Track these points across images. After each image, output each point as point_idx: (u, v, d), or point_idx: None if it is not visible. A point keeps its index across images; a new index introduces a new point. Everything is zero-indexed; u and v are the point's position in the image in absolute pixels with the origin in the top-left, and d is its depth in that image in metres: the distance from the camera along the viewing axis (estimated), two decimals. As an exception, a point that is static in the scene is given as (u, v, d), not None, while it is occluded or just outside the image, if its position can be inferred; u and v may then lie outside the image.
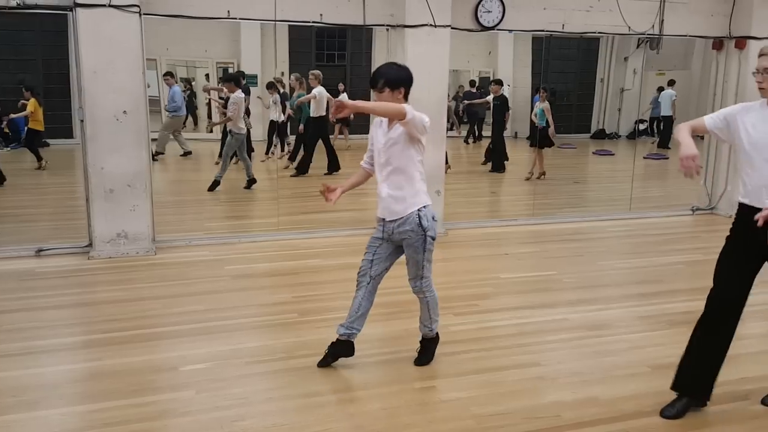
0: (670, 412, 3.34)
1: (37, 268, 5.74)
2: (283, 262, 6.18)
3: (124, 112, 5.87)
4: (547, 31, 7.53)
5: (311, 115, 10.64)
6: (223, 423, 3.28)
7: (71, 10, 5.70)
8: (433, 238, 3.66)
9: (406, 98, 3.57)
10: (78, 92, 5.94)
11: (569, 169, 13.10)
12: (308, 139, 10.68)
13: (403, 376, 3.80)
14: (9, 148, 13.25)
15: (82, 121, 5.91)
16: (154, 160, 9.40)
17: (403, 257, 3.76)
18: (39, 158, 11.13)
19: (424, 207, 3.60)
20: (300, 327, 4.52)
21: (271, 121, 11.62)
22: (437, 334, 3.99)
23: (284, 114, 11.57)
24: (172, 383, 3.65)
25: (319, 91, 10.44)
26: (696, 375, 3.33)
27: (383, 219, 3.67)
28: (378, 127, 3.63)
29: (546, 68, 13.66)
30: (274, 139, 11.78)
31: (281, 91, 11.88)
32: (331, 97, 10.37)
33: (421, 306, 3.89)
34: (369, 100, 3.68)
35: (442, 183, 7.02)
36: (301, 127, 10.96)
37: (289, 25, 10.48)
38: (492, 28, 7.10)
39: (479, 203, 9.60)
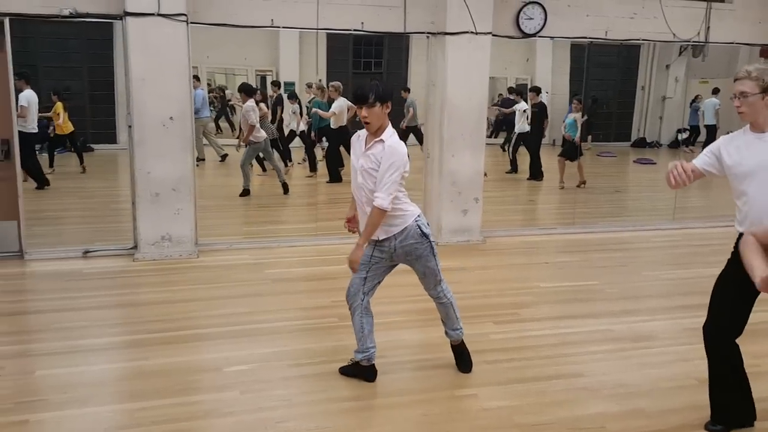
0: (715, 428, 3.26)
1: (84, 269, 5.90)
2: (321, 266, 6.23)
3: (171, 118, 6.01)
4: (589, 38, 7.45)
5: (331, 126, 10.65)
6: (267, 424, 3.31)
7: (121, 19, 5.87)
8: (435, 243, 3.70)
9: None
10: (126, 99, 6.09)
11: (610, 177, 12.92)
12: (330, 150, 10.72)
13: (443, 383, 3.79)
14: (56, 152, 13.62)
15: (130, 126, 6.06)
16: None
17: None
18: (51, 164, 11.30)
19: (418, 216, 3.62)
20: (340, 331, 4.53)
21: (291, 131, 11.67)
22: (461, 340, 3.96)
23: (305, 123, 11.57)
24: (217, 384, 3.71)
25: (339, 104, 10.45)
26: (728, 403, 3.23)
27: (377, 239, 3.59)
28: (358, 156, 3.57)
29: (586, 76, 13.51)
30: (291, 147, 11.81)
31: (312, 98, 11.91)
32: (352, 105, 10.41)
33: (445, 310, 3.85)
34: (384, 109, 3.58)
35: (480, 190, 7.00)
36: (314, 134, 11.00)
37: (327, 33, 10.57)
38: (533, 35, 7.07)
39: (517, 211, 9.52)
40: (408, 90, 13.83)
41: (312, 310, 5.03)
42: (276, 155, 10.09)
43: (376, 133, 3.47)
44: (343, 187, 10.40)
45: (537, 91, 11.52)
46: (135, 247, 6.24)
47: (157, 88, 5.93)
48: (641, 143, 16.60)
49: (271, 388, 3.68)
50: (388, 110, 3.49)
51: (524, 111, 12.32)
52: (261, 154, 10.07)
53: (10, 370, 3.91)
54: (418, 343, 4.51)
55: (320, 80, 14.47)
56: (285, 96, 12.03)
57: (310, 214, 8.09)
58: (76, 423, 3.33)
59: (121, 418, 3.39)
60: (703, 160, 3.15)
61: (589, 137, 16.23)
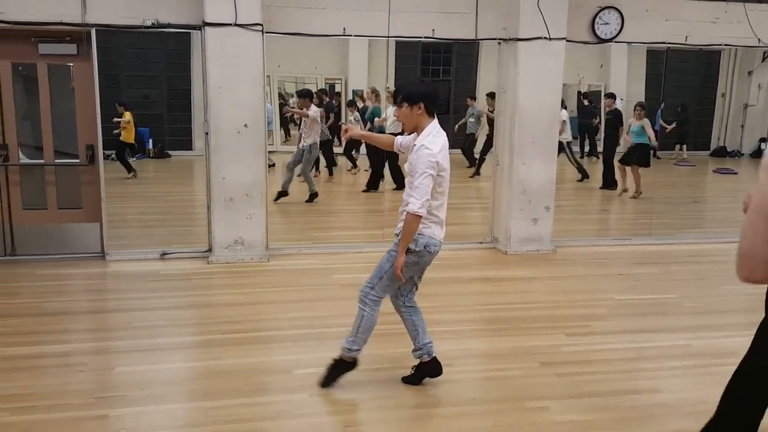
0: None
1: (161, 270, 6.12)
2: (389, 273, 6.23)
3: (245, 125, 6.17)
4: (668, 43, 7.20)
5: (386, 132, 10.60)
6: (335, 428, 3.34)
7: (200, 29, 6.08)
8: (414, 257, 3.58)
9: (430, 114, 3.47)
10: (204, 106, 6.30)
11: (688, 187, 12.41)
12: (390, 158, 10.71)
13: (513, 394, 3.72)
14: (135, 158, 14.26)
15: (207, 133, 6.27)
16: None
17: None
18: (129, 169, 11.73)
19: (431, 237, 3.59)
20: (408, 338, 4.51)
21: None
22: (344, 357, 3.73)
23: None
24: (287, 385, 3.76)
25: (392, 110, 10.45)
26: None
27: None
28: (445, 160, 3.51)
29: (663, 82, 13.03)
30: (355, 154, 11.83)
31: (360, 106, 11.93)
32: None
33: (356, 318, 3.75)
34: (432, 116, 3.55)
35: (551, 199, 6.86)
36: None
37: (396, 41, 10.60)
38: (609, 41, 6.89)
39: (590, 221, 9.27)
40: (474, 98, 13.69)
41: (379, 316, 5.02)
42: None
43: (416, 135, 3.48)
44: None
45: (612, 97, 11.21)
46: (209, 250, 6.43)
47: (233, 96, 6.11)
48: (721, 152, 15.86)
49: (340, 392, 3.70)
50: (420, 111, 3.44)
51: (564, 121, 12.11)
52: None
53: (91, 366, 4.09)
54: (486, 352, 4.44)
55: (387, 88, 14.52)
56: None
57: (376, 221, 8.12)
58: (153, 419, 3.44)
59: (196, 415, 3.48)
60: None
61: (684, 146, 15.61)
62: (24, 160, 6.36)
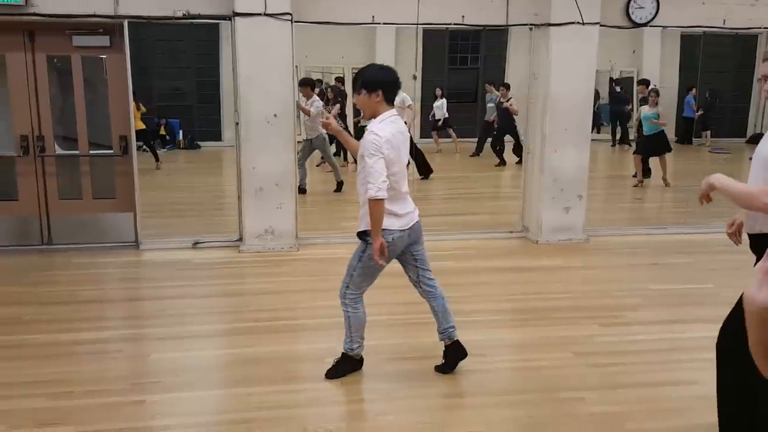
0: None
1: (193, 258, 6.19)
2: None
3: (275, 115, 6.18)
4: (704, 26, 7.00)
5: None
6: (367, 416, 3.34)
7: (230, 19, 6.10)
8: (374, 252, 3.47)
9: (388, 101, 3.41)
10: (234, 97, 6.32)
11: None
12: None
13: (546, 385, 3.67)
14: (165, 149, 14.45)
15: (237, 123, 6.30)
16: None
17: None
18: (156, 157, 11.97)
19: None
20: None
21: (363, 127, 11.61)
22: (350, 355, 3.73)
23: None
24: (318, 373, 3.76)
25: (402, 97, 10.30)
26: None
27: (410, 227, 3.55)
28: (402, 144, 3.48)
29: (698, 67, 12.74)
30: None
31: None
32: (411, 104, 10.26)
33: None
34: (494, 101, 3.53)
35: (584, 187, 6.75)
36: None
37: (423, 29, 10.47)
38: (644, 25, 6.72)
39: (623, 209, 9.10)
40: (493, 84, 13.56)
41: (408, 305, 4.98)
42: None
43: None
44: (435, 183, 10.37)
45: (646, 83, 10.97)
46: (240, 239, 6.48)
47: (263, 86, 6.13)
48: (757, 139, 15.39)
49: (371, 381, 3.71)
50: (379, 98, 3.38)
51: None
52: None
53: (127, 352, 4.16)
54: (518, 342, 4.40)
55: (414, 77, 14.40)
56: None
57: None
58: (188, 405, 3.49)
59: (230, 402, 3.52)
60: None
61: (708, 133, 15.27)
62: (59, 151, 6.47)
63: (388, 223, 3.41)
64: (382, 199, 3.29)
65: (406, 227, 3.49)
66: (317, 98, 9.55)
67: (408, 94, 10.04)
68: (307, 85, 9.45)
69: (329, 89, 12.79)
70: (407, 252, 3.61)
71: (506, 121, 12.19)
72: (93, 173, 6.56)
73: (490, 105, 13.24)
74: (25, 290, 5.26)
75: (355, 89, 3.45)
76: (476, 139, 13.57)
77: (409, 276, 3.73)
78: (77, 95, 6.37)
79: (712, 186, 2.62)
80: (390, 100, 3.45)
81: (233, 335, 4.48)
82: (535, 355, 4.09)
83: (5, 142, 6.34)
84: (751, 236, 2.66)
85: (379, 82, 3.38)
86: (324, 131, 9.33)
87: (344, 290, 3.64)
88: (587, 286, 5.46)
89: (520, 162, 11.95)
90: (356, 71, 3.54)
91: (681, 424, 3.24)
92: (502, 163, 12.19)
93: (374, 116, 3.43)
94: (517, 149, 11.95)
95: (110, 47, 6.26)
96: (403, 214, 3.48)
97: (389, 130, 3.36)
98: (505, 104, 12.05)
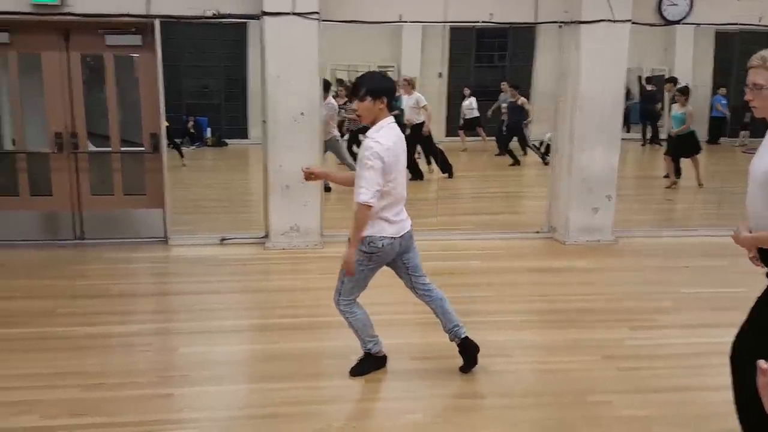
0: None
1: (220, 255, 6.25)
2: (442, 261, 6.15)
3: (302, 113, 6.21)
4: (739, 24, 6.85)
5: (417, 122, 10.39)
6: (392, 414, 3.34)
7: (259, 18, 6.14)
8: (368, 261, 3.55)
9: (389, 108, 3.45)
10: (262, 95, 6.37)
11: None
12: (425, 147, 10.54)
13: (572, 388, 3.63)
14: (194, 147, 14.63)
15: (264, 121, 6.34)
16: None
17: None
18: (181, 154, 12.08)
19: (381, 237, 3.49)
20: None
21: None
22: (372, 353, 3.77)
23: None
24: (343, 370, 3.77)
25: (417, 98, 10.23)
26: None
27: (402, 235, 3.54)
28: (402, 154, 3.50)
29: (737, 67, 12.40)
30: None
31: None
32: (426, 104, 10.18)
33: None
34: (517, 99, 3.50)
35: (613, 188, 6.66)
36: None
37: (450, 27, 10.38)
38: (677, 23, 6.60)
39: (653, 210, 8.95)
40: (508, 83, 13.44)
41: (413, 305, 5.00)
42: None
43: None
44: (456, 182, 10.31)
45: (674, 81, 10.77)
46: (266, 236, 6.52)
47: (290, 85, 6.16)
48: (794, 140, 15.06)
49: (396, 379, 3.71)
50: (383, 105, 3.40)
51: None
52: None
53: (156, 346, 4.22)
54: (544, 344, 4.36)
55: (440, 74, 14.32)
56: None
57: (429, 209, 8.06)
58: (215, 399, 3.53)
59: (256, 397, 3.55)
60: None
61: (746, 133, 14.90)
62: (91, 148, 6.59)
63: (380, 228, 3.43)
64: (370, 207, 3.32)
65: (398, 235, 3.49)
66: (332, 100, 9.45)
67: (433, 92, 9.96)
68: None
69: (342, 89, 12.71)
70: (398, 260, 3.61)
71: (515, 121, 12.17)
72: (124, 170, 6.67)
73: (504, 105, 13.14)
74: (58, 284, 5.37)
75: (357, 96, 3.45)
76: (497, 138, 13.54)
77: (404, 282, 3.74)
78: (109, 93, 6.48)
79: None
80: (391, 108, 3.51)
81: (259, 331, 4.52)
82: (562, 357, 4.05)
83: (40, 139, 6.47)
84: (760, 250, 2.61)
85: (383, 90, 3.43)
86: (337, 133, 9.36)
87: (337, 297, 3.67)
88: (616, 288, 5.38)
89: (516, 161, 12.01)
90: (356, 78, 3.56)
91: (713, 429, 3.17)
92: (516, 162, 12.15)
93: (375, 122, 3.45)
94: (522, 144, 12.16)
95: (142, 46, 6.35)
96: (396, 221, 3.49)
97: (391, 138, 3.40)
98: (519, 101, 12.01)
